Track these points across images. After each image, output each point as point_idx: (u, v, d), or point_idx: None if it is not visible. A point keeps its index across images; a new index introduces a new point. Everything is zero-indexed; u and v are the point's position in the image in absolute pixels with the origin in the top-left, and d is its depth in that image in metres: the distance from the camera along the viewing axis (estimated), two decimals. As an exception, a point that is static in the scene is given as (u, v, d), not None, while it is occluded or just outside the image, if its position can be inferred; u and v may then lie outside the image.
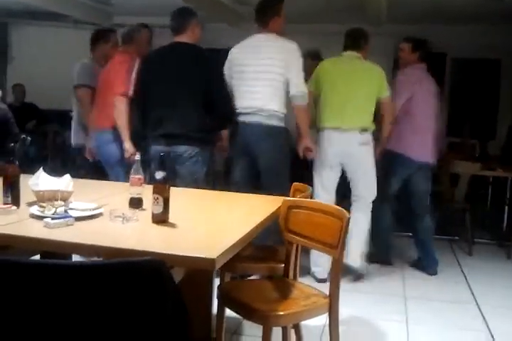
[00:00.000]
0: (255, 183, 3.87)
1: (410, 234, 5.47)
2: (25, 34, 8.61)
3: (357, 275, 4.17)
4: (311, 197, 2.80)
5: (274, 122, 3.78)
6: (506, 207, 5.43)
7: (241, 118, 3.80)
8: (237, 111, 3.80)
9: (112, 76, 3.91)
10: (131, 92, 3.77)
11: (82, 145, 4.40)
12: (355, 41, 4.21)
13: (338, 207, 2.33)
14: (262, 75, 3.77)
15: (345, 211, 2.24)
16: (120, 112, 3.76)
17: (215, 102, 3.61)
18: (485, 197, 6.12)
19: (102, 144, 4.04)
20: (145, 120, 3.70)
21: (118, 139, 3.86)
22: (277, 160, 3.82)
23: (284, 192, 2.93)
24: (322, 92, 4.10)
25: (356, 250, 4.11)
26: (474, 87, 8.27)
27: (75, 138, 4.59)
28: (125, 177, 3.44)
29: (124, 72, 3.80)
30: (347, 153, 4.05)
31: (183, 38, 3.67)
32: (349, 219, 2.21)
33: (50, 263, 1.42)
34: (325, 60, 4.32)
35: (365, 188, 4.15)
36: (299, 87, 3.78)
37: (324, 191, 4.11)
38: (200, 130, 3.58)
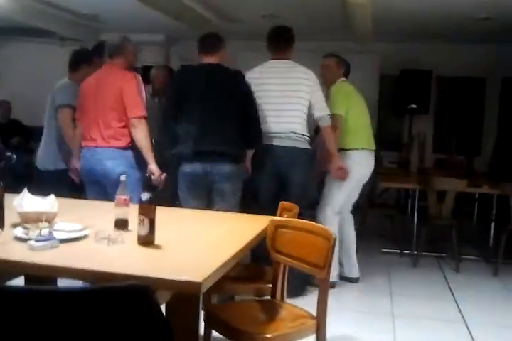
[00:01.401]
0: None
1: (398, 250, 5.50)
2: (11, 50, 8.61)
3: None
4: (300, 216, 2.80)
5: (303, 145, 3.96)
6: (492, 224, 5.45)
7: (270, 142, 3.90)
8: (266, 134, 3.87)
9: (112, 93, 3.68)
10: (145, 113, 3.71)
11: (64, 169, 4.14)
12: (348, 70, 4.55)
13: (325, 227, 2.33)
14: (290, 100, 3.93)
15: (332, 231, 2.24)
16: (145, 135, 3.65)
17: (248, 123, 3.71)
18: (471, 213, 6.15)
19: (102, 160, 3.72)
20: (178, 138, 3.66)
21: (123, 157, 3.73)
22: (305, 182, 4.00)
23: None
24: (352, 115, 4.32)
25: (355, 262, 4.49)
26: (460, 105, 8.37)
27: (55, 161, 4.26)
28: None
29: (136, 92, 3.69)
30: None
31: (213, 60, 3.74)
32: (335, 239, 2.20)
33: (32, 289, 1.40)
34: (342, 83, 4.44)
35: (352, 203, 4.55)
36: (324, 110, 4.02)
37: (347, 208, 4.48)
38: (240, 148, 3.72)
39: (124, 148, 3.72)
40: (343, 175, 4.18)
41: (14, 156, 5.66)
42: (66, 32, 7.56)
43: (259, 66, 4.06)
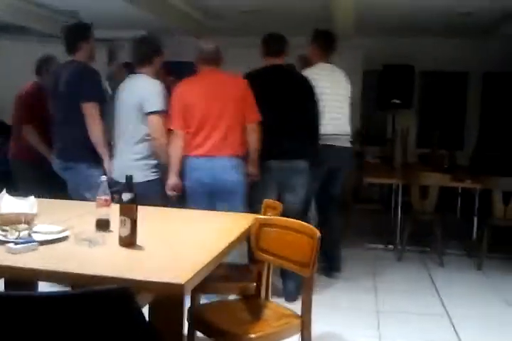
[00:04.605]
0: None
1: (384, 246, 5.51)
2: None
3: None
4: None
5: (350, 144, 4.38)
6: (475, 218, 5.47)
7: (328, 142, 4.17)
8: (324, 135, 4.14)
9: (233, 100, 3.61)
10: None
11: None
12: None
13: (309, 225, 2.30)
14: (342, 103, 4.34)
15: (316, 229, 2.22)
16: (258, 139, 3.70)
17: (313, 120, 4.04)
18: (454, 208, 6.18)
19: (228, 170, 3.57)
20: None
21: (242, 166, 3.67)
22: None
23: None
24: None
25: None
26: (442, 99, 8.40)
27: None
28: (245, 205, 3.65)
29: (253, 97, 3.67)
30: None
31: (279, 61, 3.97)
32: (320, 237, 2.18)
33: (10, 295, 1.37)
34: None
35: None
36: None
37: None
38: (308, 146, 3.99)
39: (244, 157, 3.71)
40: None
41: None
42: (44, 29, 7.44)
43: (312, 68, 4.27)
